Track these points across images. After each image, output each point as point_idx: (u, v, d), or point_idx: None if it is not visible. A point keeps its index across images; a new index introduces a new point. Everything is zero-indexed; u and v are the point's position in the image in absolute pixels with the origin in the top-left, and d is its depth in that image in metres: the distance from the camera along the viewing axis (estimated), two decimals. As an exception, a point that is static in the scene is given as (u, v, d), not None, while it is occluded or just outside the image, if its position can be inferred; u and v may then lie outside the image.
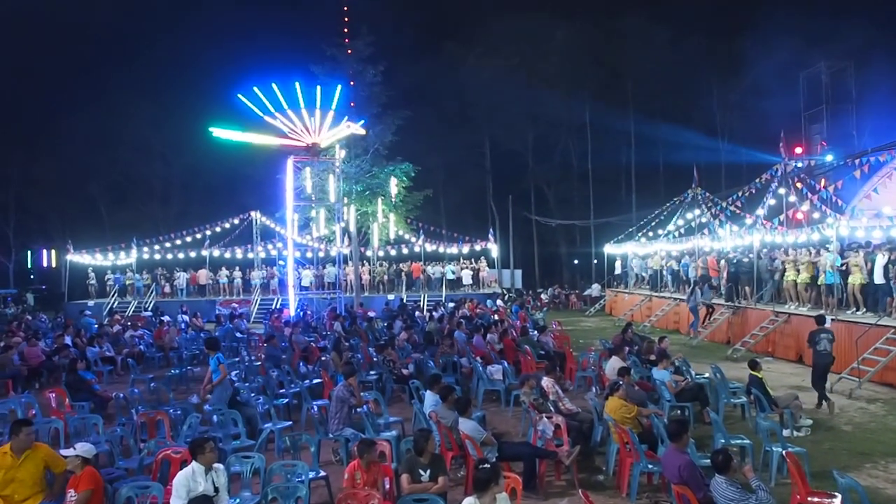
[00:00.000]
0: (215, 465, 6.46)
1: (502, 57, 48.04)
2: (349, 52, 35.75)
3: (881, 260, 15.46)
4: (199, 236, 35.86)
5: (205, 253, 36.27)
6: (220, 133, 24.92)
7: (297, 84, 25.38)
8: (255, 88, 25.00)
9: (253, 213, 35.65)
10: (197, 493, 6.21)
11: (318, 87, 25.98)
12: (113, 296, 33.90)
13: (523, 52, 48.21)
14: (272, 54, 45.16)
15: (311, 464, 7.92)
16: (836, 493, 6.48)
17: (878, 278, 15.50)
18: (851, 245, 17.32)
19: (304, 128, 26.12)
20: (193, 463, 6.38)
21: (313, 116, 26.02)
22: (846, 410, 12.02)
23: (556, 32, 48.52)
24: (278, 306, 29.58)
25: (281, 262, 31.41)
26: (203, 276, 34.54)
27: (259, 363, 15.19)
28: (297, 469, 7.14)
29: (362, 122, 27.61)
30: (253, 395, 11.57)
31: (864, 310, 16.02)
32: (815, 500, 6.70)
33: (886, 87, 28.94)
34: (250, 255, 36.40)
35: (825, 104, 31.64)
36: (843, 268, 16.46)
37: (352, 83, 35.85)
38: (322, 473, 8.00)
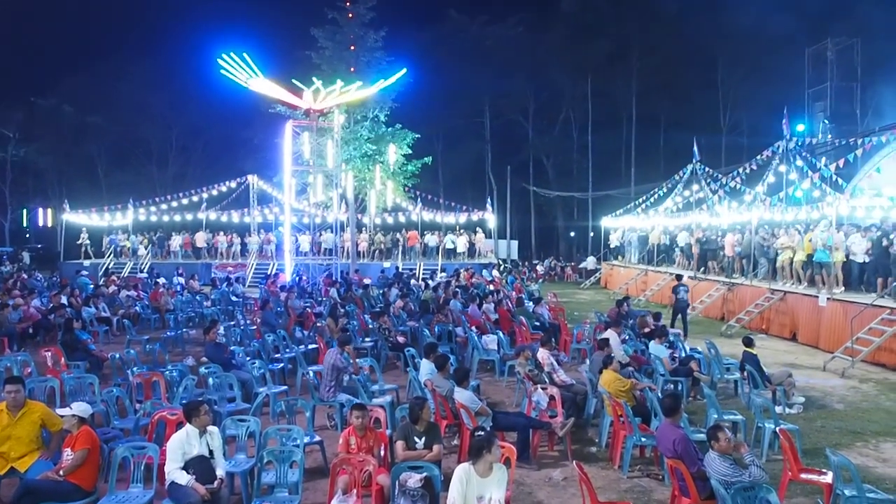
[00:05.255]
0: (210, 427, 6.50)
1: (506, 26, 47.49)
2: (350, 16, 35.35)
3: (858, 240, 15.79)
4: (195, 199, 35.72)
5: (201, 216, 36.17)
6: (226, 66, 24.34)
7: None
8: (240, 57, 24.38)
9: (250, 177, 35.46)
10: (192, 456, 6.26)
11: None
12: (109, 256, 33.84)
13: (527, 21, 47.70)
14: (273, 15, 44.75)
15: (306, 428, 7.95)
16: (827, 471, 6.55)
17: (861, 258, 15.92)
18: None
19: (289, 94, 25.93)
20: (188, 425, 6.41)
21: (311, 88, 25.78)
22: (838, 389, 12.11)
23: (561, 3, 47.97)
24: (274, 271, 29.57)
25: (280, 230, 31.29)
26: (199, 238, 34.47)
27: (255, 327, 15.23)
28: (293, 433, 7.16)
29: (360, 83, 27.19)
30: (248, 359, 11.58)
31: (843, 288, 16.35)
32: (807, 476, 6.78)
33: (892, 66, 28.69)
34: (247, 220, 36.27)
35: (829, 81, 31.38)
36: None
37: (352, 48, 35.52)
38: (317, 438, 8.05)
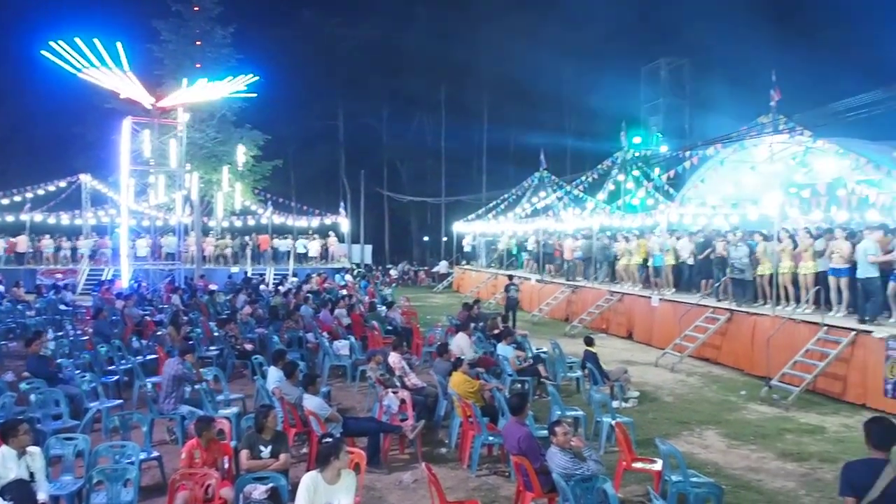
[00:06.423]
0: (30, 448, 5.99)
1: (360, 29, 47.33)
2: (196, 9, 33.81)
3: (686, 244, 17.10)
4: (17, 199, 32.61)
5: (25, 217, 33.08)
6: (59, 51, 22.34)
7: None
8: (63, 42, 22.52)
9: (82, 177, 32.91)
10: (8, 480, 5.70)
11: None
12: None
13: (381, 26, 47.79)
14: (109, 3, 41.81)
15: (143, 444, 7.49)
16: (657, 459, 7.02)
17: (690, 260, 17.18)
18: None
19: (138, 86, 24.41)
20: (4, 447, 5.88)
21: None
22: (668, 383, 13.03)
23: (416, 9, 48.47)
24: (109, 277, 27.63)
25: (118, 231, 29.28)
26: (21, 242, 31.46)
27: (86, 338, 14.15)
28: (127, 450, 6.75)
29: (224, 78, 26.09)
30: (78, 372, 10.72)
31: (674, 289, 17.67)
32: (639, 465, 7.24)
33: (716, 85, 31.46)
34: (78, 222, 33.65)
35: (662, 98, 33.93)
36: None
37: (198, 43, 34.00)
38: (155, 454, 7.62)
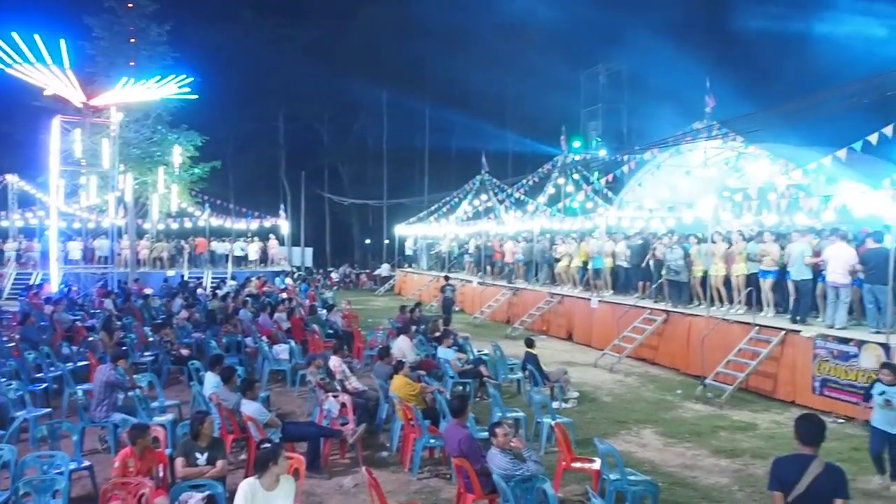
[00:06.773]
0: (-50, 460, 5.67)
1: (302, 29, 46.81)
2: (130, 6, 32.93)
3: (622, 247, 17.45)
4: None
5: (-56, 219, 31.61)
6: None
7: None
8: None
9: (8, 177, 31.59)
10: (-75, 494, 5.41)
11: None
12: None
13: (324, 28, 47.38)
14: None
15: (73, 453, 7.23)
16: (596, 458, 7.13)
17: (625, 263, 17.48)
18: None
19: (73, 85, 23.56)
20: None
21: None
22: (607, 383, 13.26)
23: (358, 11, 48.23)
24: (38, 281, 26.58)
25: (47, 233, 28.12)
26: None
27: (13, 344, 13.57)
28: (56, 460, 6.52)
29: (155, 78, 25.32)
30: (3, 380, 10.27)
31: (612, 291, 18.00)
32: (578, 465, 7.35)
33: (653, 91, 32.24)
34: (4, 224, 32.25)
35: (601, 103, 34.59)
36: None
37: (132, 40, 33.13)
38: (86, 463, 7.36)
